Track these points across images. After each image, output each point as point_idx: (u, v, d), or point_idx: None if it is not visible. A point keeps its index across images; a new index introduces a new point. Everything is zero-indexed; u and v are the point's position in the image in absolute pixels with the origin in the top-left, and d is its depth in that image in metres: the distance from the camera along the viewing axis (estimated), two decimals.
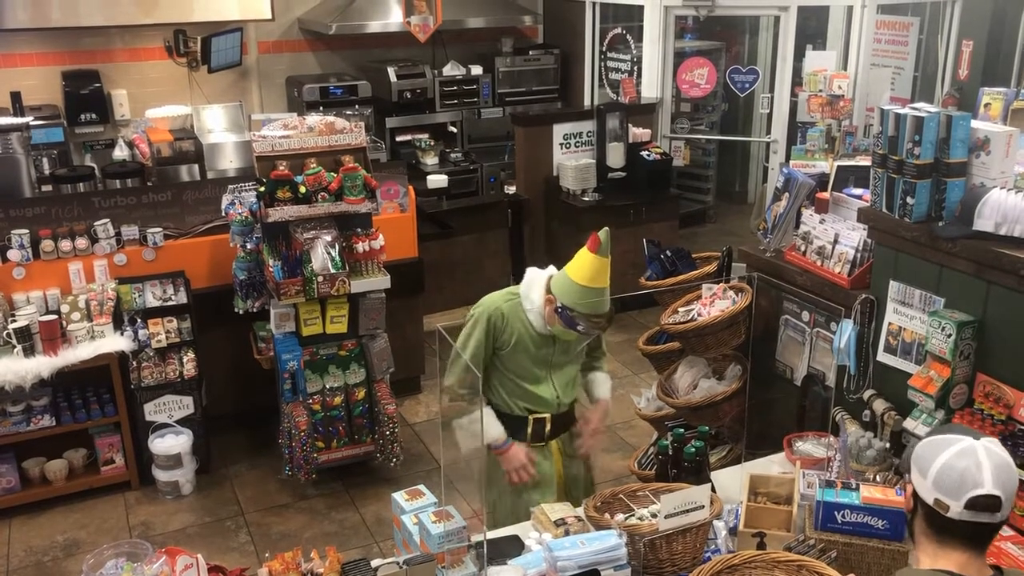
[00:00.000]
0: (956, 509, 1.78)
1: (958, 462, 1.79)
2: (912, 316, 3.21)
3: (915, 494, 1.88)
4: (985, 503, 1.77)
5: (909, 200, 3.07)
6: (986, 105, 3.97)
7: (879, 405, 3.28)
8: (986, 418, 2.92)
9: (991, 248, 2.88)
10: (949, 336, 2.95)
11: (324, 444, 4.74)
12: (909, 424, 3.12)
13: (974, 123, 3.00)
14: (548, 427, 3.25)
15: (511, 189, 7.05)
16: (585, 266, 3.00)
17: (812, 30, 7.85)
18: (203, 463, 4.97)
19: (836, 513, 2.57)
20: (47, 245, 4.75)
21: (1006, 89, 4.01)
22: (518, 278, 7.28)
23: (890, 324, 3.29)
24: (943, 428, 1.96)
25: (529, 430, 3.23)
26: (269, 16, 7.27)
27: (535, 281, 3.13)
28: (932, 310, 3.09)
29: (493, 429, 3.17)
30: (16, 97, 6.50)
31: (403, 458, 4.91)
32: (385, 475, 4.96)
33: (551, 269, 3.16)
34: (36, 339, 4.56)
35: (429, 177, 7.05)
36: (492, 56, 8.13)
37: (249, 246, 4.71)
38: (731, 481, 3.16)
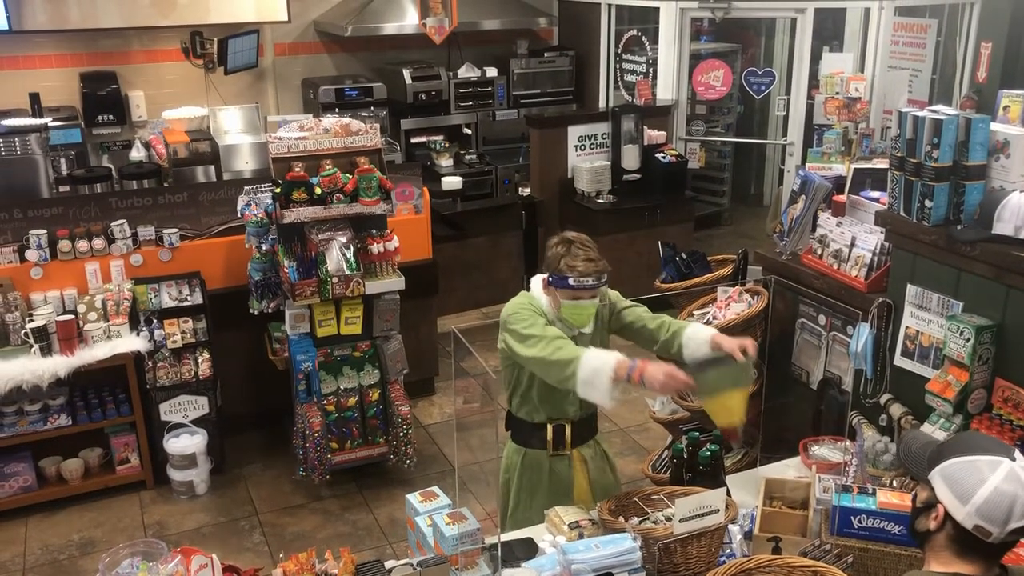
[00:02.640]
0: (998, 535, 1.73)
1: (1006, 488, 1.72)
2: (930, 320, 3.18)
3: (947, 515, 1.79)
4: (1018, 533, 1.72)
5: (927, 203, 3.05)
6: (1005, 108, 3.94)
7: (896, 410, 3.26)
8: (1005, 423, 2.90)
9: (1011, 252, 2.86)
10: (967, 340, 2.92)
11: (338, 445, 4.75)
12: (926, 429, 3.09)
13: (993, 126, 2.98)
14: (568, 434, 3.17)
15: (525, 191, 7.05)
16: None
17: (829, 32, 7.81)
18: (217, 463, 4.98)
19: (852, 518, 2.55)
20: (64, 245, 4.78)
21: None
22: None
23: (907, 328, 3.27)
24: (966, 441, 1.89)
25: (549, 437, 3.16)
26: (285, 18, 7.30)
27: (536, 280, 3.12)
28: (950, 314, 3.07)
29: (605, 355, 2.82)
30: (35, 98, 6.54)
31: (417, 459, 4.91)
32: (399, 476, 4.96)
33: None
34: (53, 339, 4.59)
35: (444, 179, 7.05)
36: (507, 58, 8.13)
37: (264, 247, 4.73)
38: (747, 485, 3.14)
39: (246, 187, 4.90)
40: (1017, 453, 1.79)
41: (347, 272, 4.48)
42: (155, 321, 4.79)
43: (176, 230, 5.00)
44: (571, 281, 2.93)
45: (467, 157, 7.66)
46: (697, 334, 3.03)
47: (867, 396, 3.42)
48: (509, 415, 3.26)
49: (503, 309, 3.09)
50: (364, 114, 7.05)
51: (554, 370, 2.87)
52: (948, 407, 3.00)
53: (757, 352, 2.93)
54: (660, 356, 3.19)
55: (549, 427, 3.15)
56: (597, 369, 2.77)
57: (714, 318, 3.81)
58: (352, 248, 4.53)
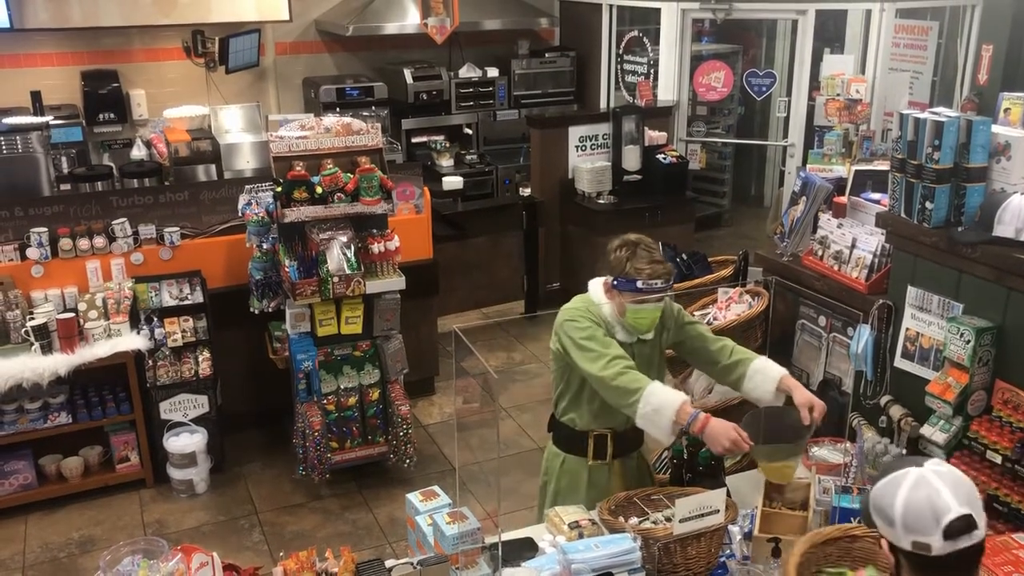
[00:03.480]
0: (937, 545, 1.69)
1: (916, 494, 1.72)
2: (930, 322, 3.19)
3: (892, 547, 1.78)
4: (960, 526, 1.69)
5: (928, 205, 3.05)
6: (1006, 110, 3.93)
7: (896, 411, 3.26)
8: (1005, 425, 2.90)
9: (1011, 254, 2.86)
10: (968, 342, 2.93)
11: (338, 444, 4.75)
12: (926, 431, 3.10)
13: (994, 128, 2.98)
14: (610, 444, 3.10)
15: (526, 191, 7.05)
16: None
17: (830, 34, 7.82)
18: (217, 462, 4.99)
19: (852, 519, 2.55)
20: (65, 243, 4.78)
21: None
22: (531, 280, 7.28)
23: (908, 330, 3.27)
24: (884, 468, 1.88)
25: (591, 446, 3.09)
26: (287, 17, 7.31)
27: (595, 283, 3.06)
28: (951, 316, 3.07)
29: (670, 392, 2.82)
30: (36, 97, 6.55)
31: (416, 459, 4.92)
32: (398, 476, 4.97)
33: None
34: (54, 337, 4.60)
35: (444, 179, 7.06)
36: (508, 58, 8.14)
37: (265, 246, 4.73)
38: (746, 486, 3.14)
39: (247, 186, 4.91)
40: (929, 460, 1.79)
41: (348, 271, 4.48)
42: (155, 320, 4.79)
43: (177, 229, 5.00)
44: (639, 284, 2.87)
45: (468, 157, 7.66)
46: (766, 370, 3.00)
47: (867, 397, 3.42)
48: (553, 418, 3.21)
49: (560, 312, 3.03)
50: (365, 113, 7.06)
51: (613, 394, 2.86)
52: (948, 409, 3.00)
53: (823, 416, 2.88)
54: (720, 381, 3.19)
55: (591, 436, 3.08)
56: (659, 408, 2.76)
57: (714, 319, 3.82)
58: (353, 247, 4.54)
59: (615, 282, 2.93)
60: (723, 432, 2.72)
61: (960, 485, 1.74)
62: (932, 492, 1.71)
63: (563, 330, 2.97)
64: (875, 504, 1.79)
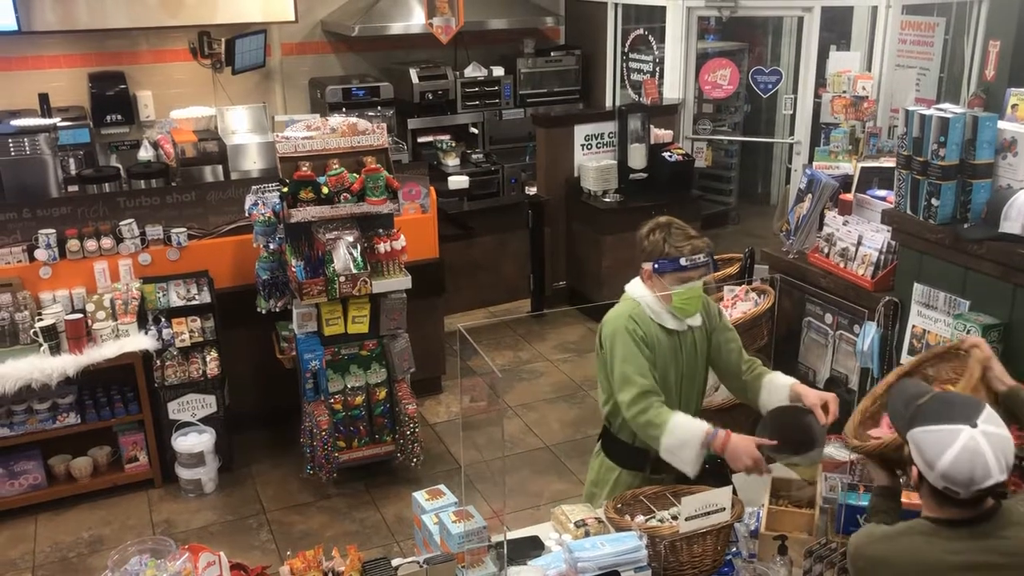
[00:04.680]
0: (966, 494, 1.89)
1: (964, 456, 1.87)
2: (936, 319, 3.18)
3: (920, 474, 1.96)
4: (993, 489, 1.89)
5: (934, 202, 3.05)
6: (1013, 106, 3.92)
7: None
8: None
9: (1017, 250, 2.85)
10: None
11: (345, 443, 4.76)
12: None
13: (1001, 124, 2.97)
14: None
15: (532, 190, 7.05)
16: None
17: (836, 30, 7.79)
18: (225, 461, 5.00)
19: (859, 516, 2.54)
20: (73, 244, 4.80)
21: None
22: (537, 279, 7.29)
23: (914, 327, 3.27)
24: (935, 409, 1.96)
25: (650, 463, 3.03)
26: (292, 18, 7.32)
27: (633, 284, 3.04)
28: (957, 313, 3.07)
29: (693, 426, 2.83)
30: (44, 98, 6.58)
31: (423, 458, 4.92)
32: (405, 475, 4.97)
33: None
34: (62, 338, 4.62)
35: (450, 178, 7.06)
36: (514, 57, 8.14)
37: (272, 246, 4.74)
38: (753, 484, 3.14)
39: (253, 186, 4.91)
40: (983, 414, 1.92)
41: (354, 271, 4.49)
42: (163, 320, 4.81)
43: (184, 229, 5.01)
44: (683, 261, 2.85)
45: (474, 156, 7.66)
46: (777, 380, 3.02)
47: None
48: (606, 431, 3.17)
49: (604, 319, 2.99)
50: (371, 114, 7.07)
51: (637, 427, 2.88)
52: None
53: (838, 409, 2.86)
54: (736, 394, 3.20)
55: (652, 453, 3.00)
56: (685, 441, 2.79)
57: None
58: (359, 247, 4.55)
59: (656, 266, 2.89)
60: (745, 450, 2.73)
61: (1003, 449, 1.89)
62: (979, 459, 1.86)
63: (604, 341, 2.96)
64: (921, 447, 1.93)
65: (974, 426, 1.89)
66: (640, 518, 2.74)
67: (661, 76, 7.43)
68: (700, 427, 2.81)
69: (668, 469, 2.95)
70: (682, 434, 2.80)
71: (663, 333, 2.96)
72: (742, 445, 2.74)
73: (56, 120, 6.22)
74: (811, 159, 6.56)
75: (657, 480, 3.01)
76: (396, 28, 7.47)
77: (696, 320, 3.01)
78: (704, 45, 8.06)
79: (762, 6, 7.24)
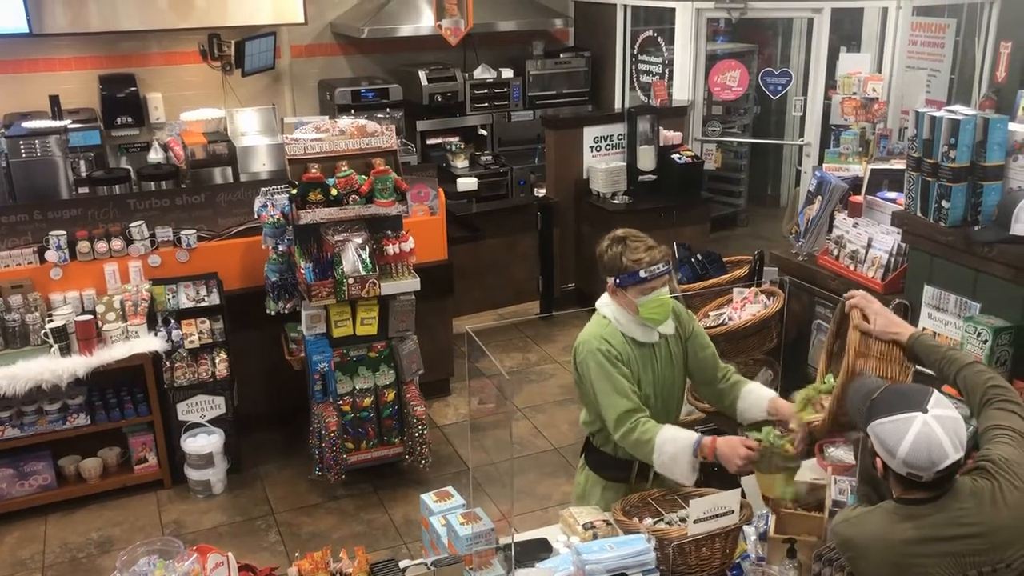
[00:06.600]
0: (929, 476, 1.99)
1: (919, 442, 1.97)
2: (947, 321, 3.16)
3: (885, 465, 2.06)
4: (952, 468, 1.99)
5: (944, 204, 3.03)
6: None
7: None
8: None
9: None
10: (985, 342, 2.90)
11: (354, 445, 4.77)
12: None
13: (1012, 126, 2.95)
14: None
15: (541, 192, 7.05)
16: None
17: (846, 32, 7.77)
18: (234, 463, 5.02)
19: None
20: (83, 246, 4.82)
21: None
22: (546, 281, 7.27)
23: (924, 329, 3.25)
24: (887, 401, 2.06)
25: (634, 471, 3.05)
26: (302, 20, 7.34)
27: (602, 301, 3.04)
28: (968, 315, 3.05)
29: (680, 438, 2.83)
30: (55, 101, 6.61)
31: (432, 460, 4.93)
32: (414, 477, 4.98)
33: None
34: (72, 339, 4.64)
35: (459, 180, 7.07)
36: (523, 59, 8.14)
37: (281, 248, 4.75)
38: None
39: (263, 188, 4.93)
40: (931, 399, 2.02)
41: (363, 273, 4.50)
42: (173, 321, 4.82)
43: (193, 231, 5.03)
44: (643, 273, 2.85)
45: (483, 158, 7.67)
46: (758, 390, 3.04)
47: None
48: (588, 444, 3.18)
49: (576, 343, 2.99)
50: (380, 115, 7.07)
51: (627, 446, 2.89)
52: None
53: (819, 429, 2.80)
54: (710, 401, 3.22)
55: (635, 463, 3.03)
56: (675, 455, 2.80)
57: (729, 319, 3.80)
58: (368, 249, 4.55)
59: (617, 280, 2.90)
60: (733, 451, 2.75)
61: (955, 430, 2.00)
62: (934, 442, 1.97)
63: (582, 369, 2.96)
64: (880, 438, 2.04)
65: (925, 411, 1.99)
66: (648, 520, 2.73)
67: (670, 78, 7.42)
68: (688, 439, 2.82)
69: (653, 477, 3.03)
70: (671, 449, 2.81)
71: (635, 347, 2.96)
72: (728, 448, 2.76)
73: (67, 122, 6.25)
74: (821, 161, 6.54)
75: (641, 489, 3.03)
76: (405, 30, 7.48)
77: (669, 328, 3.01)
78: (713, 47, 8.05)
79: (772, 7, 7.22)
